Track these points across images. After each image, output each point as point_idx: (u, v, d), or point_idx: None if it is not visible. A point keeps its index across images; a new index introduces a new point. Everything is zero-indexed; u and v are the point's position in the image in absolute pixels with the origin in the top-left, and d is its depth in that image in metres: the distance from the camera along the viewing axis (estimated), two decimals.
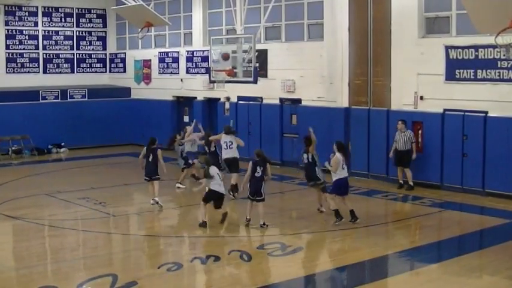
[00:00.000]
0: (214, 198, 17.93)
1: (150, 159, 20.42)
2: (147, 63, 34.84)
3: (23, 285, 13.69)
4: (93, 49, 37.02)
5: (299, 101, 26.93)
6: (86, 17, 36.67)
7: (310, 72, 26.26)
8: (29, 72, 34.85)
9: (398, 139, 22.46)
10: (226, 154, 21.74)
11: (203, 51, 30.82)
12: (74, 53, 36.33)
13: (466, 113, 21.61)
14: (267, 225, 17.75)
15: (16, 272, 14.76)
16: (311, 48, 26.38)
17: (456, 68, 21.78)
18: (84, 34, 36.65)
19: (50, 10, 35.49)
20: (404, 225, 18.87)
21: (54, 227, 18.45)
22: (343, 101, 25.26)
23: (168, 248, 16.73)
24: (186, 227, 18.89)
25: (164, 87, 33.53)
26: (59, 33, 35.82)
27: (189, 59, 32.18)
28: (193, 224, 18.26)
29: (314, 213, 19.40)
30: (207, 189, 18.09)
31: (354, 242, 16.68)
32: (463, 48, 21.55)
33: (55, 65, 35.72)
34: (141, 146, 32.13)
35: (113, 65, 37.37)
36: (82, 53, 36.65)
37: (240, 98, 29.17)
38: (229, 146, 21.68)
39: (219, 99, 30.17)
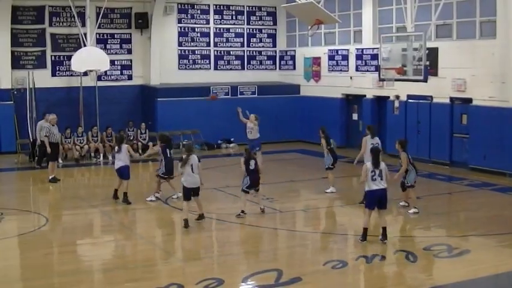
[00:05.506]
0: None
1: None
2: (316, 61, 34.95)
3: (189, 276, 14.00)
4: (263, 46, 37.50)
5: (470, 100, 26.27)
6: (257, 14, 37.18)
7: (482, 71, 25.51)
8: (200, 68, 35.73)
9: None
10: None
11: (373, 49, 30.65)
12: (244, 50, 36.94)
13: None
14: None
15: (182, 263, 15.23)
16: (483, 47, 25.63)
17: None
18: (254, 31, 37.19)
19: (222, 8, 36.19)
20: None
21: (222, 220, 18.83)
22: None
23: (333, 245, 16.76)
24: (351, 225, 18.76)
25: (333, 85, 33.51)
26: (230, 31, 36.51)
27: (359, 57, 32.06)
28: (357, 223, 18.18)
29: (483, 215, 18.94)
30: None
31: None
32: None
33: (226, 61, 36.47)
34: (309, 143, 32.63)
35: (282, 62, 37.70)
36: (252, 50, 37.20)
37: (409, 97, 28.79)
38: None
39: (389, 97, 29.92)
